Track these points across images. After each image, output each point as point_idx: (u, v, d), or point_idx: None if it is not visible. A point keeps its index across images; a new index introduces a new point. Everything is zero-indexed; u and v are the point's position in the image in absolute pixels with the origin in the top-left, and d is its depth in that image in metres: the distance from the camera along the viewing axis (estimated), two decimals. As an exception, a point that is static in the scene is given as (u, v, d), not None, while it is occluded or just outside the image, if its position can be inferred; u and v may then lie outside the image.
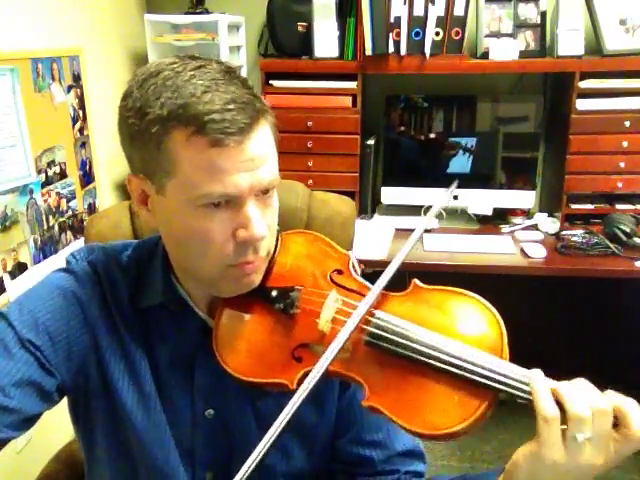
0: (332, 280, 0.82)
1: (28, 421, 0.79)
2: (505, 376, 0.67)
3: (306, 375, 0.74)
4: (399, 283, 0.81)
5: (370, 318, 0.75)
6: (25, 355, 0.79)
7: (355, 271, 0.83)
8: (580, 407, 0.63)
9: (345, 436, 0.92)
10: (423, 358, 0.71)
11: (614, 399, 0.65)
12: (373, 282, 0.80)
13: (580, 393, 0.64)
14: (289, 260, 0.85)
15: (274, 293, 0.81)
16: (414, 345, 0.71)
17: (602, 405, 0.63)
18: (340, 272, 0.83)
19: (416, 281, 0.79)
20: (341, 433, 0.92)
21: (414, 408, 0.70)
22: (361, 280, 0.82)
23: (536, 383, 0.66)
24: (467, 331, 0.73)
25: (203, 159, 0.71)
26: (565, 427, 0.64)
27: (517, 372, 0.68)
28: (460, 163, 2.40)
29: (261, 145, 0.74)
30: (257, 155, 0.73)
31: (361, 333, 0.75)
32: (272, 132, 0.79)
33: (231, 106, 0.70)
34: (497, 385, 0.67)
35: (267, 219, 0.78)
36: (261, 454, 0.65)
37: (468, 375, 0.68)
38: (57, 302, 0.83)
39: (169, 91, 0.71)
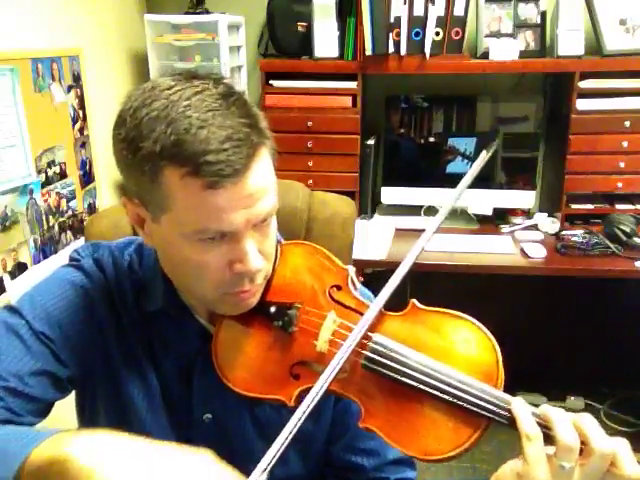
0: (331, 296, 0.82)
1: (46, 409, 0.82)
2: (498, 406, 0.68)
3: (303, 392, 0.75)
4: (399, 287, 0.80)
5: (367, 342, 0.75)
6: (40, 347, 0.80)
7: (354, 286, 0.83)
8: (568, 436, 0.64)
9: (338, 442, 0.93)
10: (418, 385, 0.71)
11: (610, 442, 0.65)
12: (373, 284, 0.80)
13: (573, 424, 0.65)
14: (288, 273, 0.85)
15: (273, 309, 0.81)
16: (410, 372, 0.72)
17: (606, 447, 0.64)
18: (339, 288, 0.82)
19: (414, 302, 0.79)
20: (335, 439, 0.93)
21: (409, 432, 0.71)
22: (359, 297, 0.81)
23: (517, 405, 0.67)
24: (462, 357, 0.73)
25: (198, 200, 0.69)
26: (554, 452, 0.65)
27: (500, 397, 0.69)
28: (460, 163, 2.40)
29: (259, 180, 0.72)
30: (254, 191, 0.71)
31: (358, 357, 0.75)
32: (270, 158, 0.76)
33: (226, 145, 0.68)
34: (489, 415, 0.68)
35: (264, 248, 0.77)
36: (266, 472, 0.66)
37: (461, 403, 0.69)
38: (68, 296, 0.84)
39: (163, 124, 0.68)
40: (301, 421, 0.68)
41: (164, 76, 0.75)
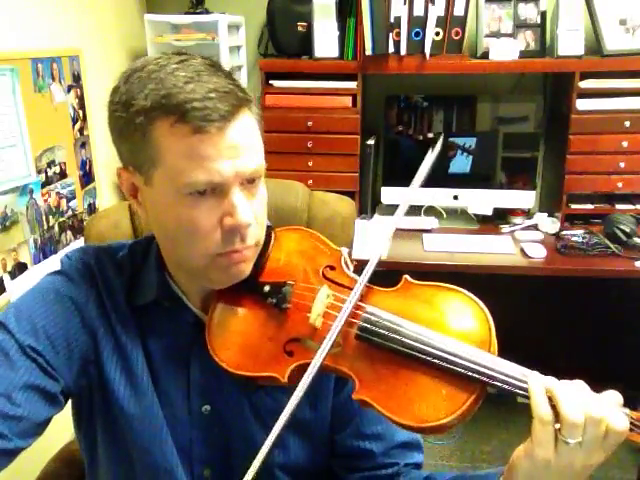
0: (324, 276, 0.83)
1: (37, 428, 0.79)
2: (493, 370, 0.68)
3: (297, 369, 0.76)
4: (398, 282, 0.81)
5: (360, 312, 0.76)
6: (27, 362, 0.79)
7: (347, 267, 0.84)
8: (574, 413, 0.63)
9: (345, 430, 0.92)
10: (411, 352, 0.72)
11: (607, 408, 0.65)
12: (373, 283, 0.80)
13: (576, 398, 0.64)
14: (282, 256, 0.86)
15: (267, 288, 0.82)
16: (403, 339, 0.72)
17: (596, 413, 0.63)
18: (332, 268, 0.84)
19: (407, 277, 0.80)
20: (341, 427, 0.92)
21: (403, 401, 0.71)
22: (353, 275, 0.82)
23: (533, 383, 0.66)
24: (456, 325, 0.74)
25: (186, 146, 0.72)
26: (558, 427, 0.64)
27: (508, 367, 0.69)
28: (460, 163, 2.40)
29: (244, 133, 0.75)
30: (240, 142, 0.74)
31: (351, 327, 0.76)
32: (256, 122, 0.79)
33: (212, 95, 0.72)
34: (484, 379, 0.68)
35: (254, 208, 0.78)
36: (264, 454, 0.65)
37: (455, 368, 0.69)
38: (54, 305, 0.84)
39: (153, 83, 0.73)
40: (300, 396, 0.69)
41: None
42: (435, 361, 0.70)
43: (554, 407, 0.65)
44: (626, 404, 0.67)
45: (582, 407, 0.63)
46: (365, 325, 0.75)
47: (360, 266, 0.80)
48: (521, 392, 0.67)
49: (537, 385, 0.66)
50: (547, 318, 2.59)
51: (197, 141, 0.72)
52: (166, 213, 0.77)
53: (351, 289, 0.79)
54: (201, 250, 0.77)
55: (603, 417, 0.63)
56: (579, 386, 0.67)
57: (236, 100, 0.74)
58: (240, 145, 0.74)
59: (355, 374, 0.74)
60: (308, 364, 0.74)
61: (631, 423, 0.65)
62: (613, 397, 0.66)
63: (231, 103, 0.73)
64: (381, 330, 0.74)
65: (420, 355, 0.71)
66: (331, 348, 0.72)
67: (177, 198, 0.75)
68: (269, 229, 0.86)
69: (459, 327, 0.74)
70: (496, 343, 0.72)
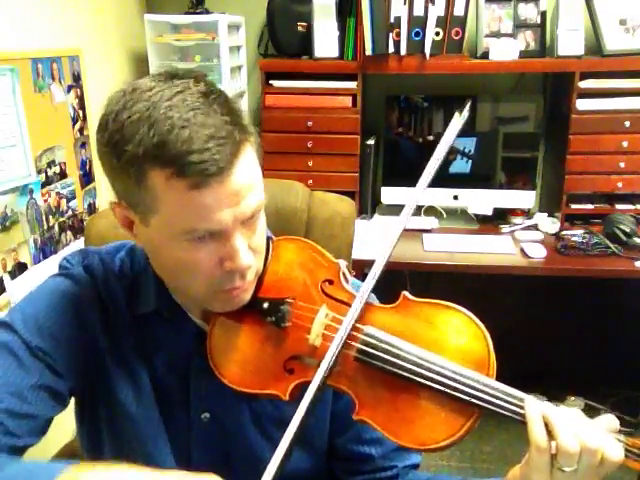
0: (323, 291, 0.82)
1: (44, 426, 0.81)
2: (493, 395, 0.69)
3: (298, 387, 0.76)
4: (398, 282, 0.81)
5: (358, 335, 0.75)
6: (36, 362, 0.79)
7: (346, 280, 0.83)
8: (571, 442, 0.64)
9: (344, 435, 0.92)
10: (410, 375, 0.72)
11: (604, 437, 0.65)
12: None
13: (572, 426, 0.65)
14: (280, 269, 0.85)
15: (265, 305, 0.81)
16: (401, 362, 0.72)
17: (592, 444, 0.64)
18: (331, 282, 0.83)
19: (405, 293, 0.79)
20: (340, 432, 0.92)
21: (402, 423, 0.71)
22: (351, 290, 0.81)
23: (531, 410, 0.67)
24: (455, 347, 0.74)
25: (184, 201, 0.69)
26: (554, 454, 0.65)
27: (507, 391, 0.69)
28: (460, 163, 2.40)
29: (244, 177, 0.72)
30: (241, 187, 0.71)
31: (350, 349, 0.75)
32: (255, 153, 0.76)
33: (210, 144, 0.67)
34: (483, 404, 0.69)
35: (254, 243, 0.77)
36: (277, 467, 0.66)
37: (455, 393, 0.69)
38: (59, 306, 0.83)
39: (145, 126, 0.68)
40: (303, 412, 0.69)
41: (144, 77, 0.75)
42: (435, 385, 0.70)
43: (550, 433, 0.65)
44: (626, 404, 0.67)
45: (578, 436, 0.64)
46: (364, 348, 0.74)
47: (358, 266, 0.80)
48: (518, 418, 0.68)
49: (535, 412, 0.67)
50: (547, 318, 2.59)
51: (196, 195, 0.69)
52: (163, 252, 0.76)
53: (350, 305, 0.78)
54: (200, 286, 0.77)
55: (599, 447, 0.64)
56: (575, 414, 0.67)
57: (234, 145, 0.70)
58: (241, 190, 0.71)
59: (354, 394, 0.75)
60: (309, 382, 0.73)
61: (626, 450, 0.66)
62: (609, 423, 0.67)
63: (230, 152, 0.69)
64: (379, 353, 0.73)
65: (418, 379, 0.71)
66: (328, 371, 0.72)
67: (175, 242, 0.73)
68: (268, 240, 0.85)
69: (458, 348, 0.73)
70: (495, 363, 0.72)
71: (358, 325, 0.76)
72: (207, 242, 0.73)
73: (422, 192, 0.81)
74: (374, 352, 0.74)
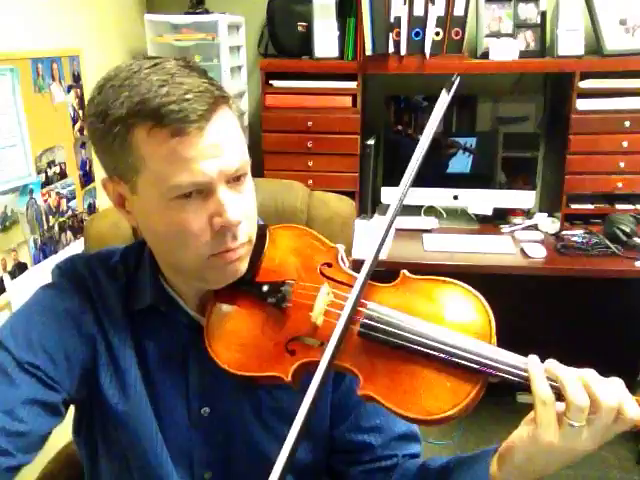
0: (322, 273, 0.83)
1: (40, 442, 0.80)
2: (496, 361, 0.69)
3: (300, 367, 0.76)
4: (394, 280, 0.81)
5: (361, 309, 0.76)
6: (26, 377, 0.79)
7: (344, 263, 0.84)
8: (579, 396, 0.64)
9: (343, 424, 0.92)
10: (414, 346, 0.72)
11: (622, 393, 0.65)
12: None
13: (581, 382, 0.65)
14: (278, 254, 0.86)
15: (265, 288, 0.82)
16: (405, 334, 0.73)
17: (611, 400, 0.64)
18: (329, 265, 0.84)
19: (404, 272, 0.81)
20: (339, 422, 0.92)
21: (408, 395, 0.71)
22: (350, 272, 0.82)
23: (533, 366, 0.68)
24: (456, 318, 0.75)
25: (166, 150, 0.71)
26: (562, 412, 0.65)
27: (509, 357, 0.70)
28: (460, 163, 2.41)
29: (224, 130, 0.74)
30: (221, 140, 0.73)
31: (354, 324, 0.76)
32: (236, 118, 0.78)
33: (188, 96, 0.71)
34: (487, 370, 0.69)
35: (242, 205, 0.77)
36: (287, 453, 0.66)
37: (459, 361, 0.70)
38: (49, 319, 0.83)
39: (127, 90, 0.72)
40: (313, 394, 0.68)
41: None
42: (438, 355, 0.71)
43: (558, 390, 0.66)
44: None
45: (590, 390, 0.64)
46: (367, 322, 0.75)
47: (358, 265, 0.80)
48: (523, 381, 0.68)
49: (537, 368, 0.67)
50: (547, 318, 2.59)
51: (177, 144, 0.71)
52: (154, 219, 0.77)
53: (349, 286, 0.79)
54: (194, 252, 0.77)
55: (618, 403, 0.64)
56: (590, 372, 0.67)
57: (213, 98, 0.73)
58: (221, 143, 0.73)
59: (359, 370, 0.75)
60: (311, 362, 0.74)
61: None
62: (622, 384, 0.67)
63: (208, 102, 0.72)
64: (383, 326, 0.74)
65: (423, 349, 0.71)
66: (337, 347, 0.72)
67: (163, 203, 0.74)
68: (264, 228, 0.86)
69: (459, 320, 0.74)
70: (495, 334, 0.73)
71: (362, 300, 0.76)
72: (194, 199, 0.74)
73: (416, 166, 0.87)
74: (378, 325, 0.74)
